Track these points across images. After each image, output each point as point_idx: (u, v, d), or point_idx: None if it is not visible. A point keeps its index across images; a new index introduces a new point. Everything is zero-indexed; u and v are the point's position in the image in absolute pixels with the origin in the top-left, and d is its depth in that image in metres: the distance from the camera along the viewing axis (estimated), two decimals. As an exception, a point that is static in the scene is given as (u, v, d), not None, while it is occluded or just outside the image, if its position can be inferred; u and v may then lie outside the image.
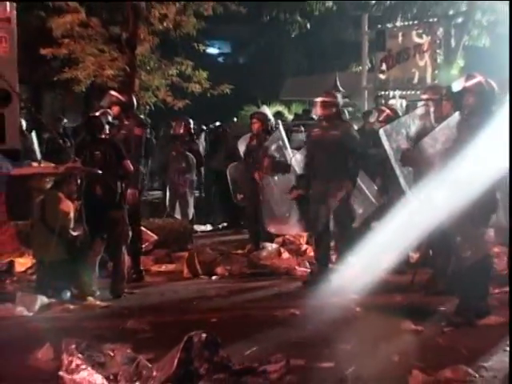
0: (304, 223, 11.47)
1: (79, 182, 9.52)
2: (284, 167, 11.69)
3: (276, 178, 11.87)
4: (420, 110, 9.84)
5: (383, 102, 23.85)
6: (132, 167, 9.67)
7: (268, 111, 13.57)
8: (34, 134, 15.65)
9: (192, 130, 14.54)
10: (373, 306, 8.41)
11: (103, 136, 9.56)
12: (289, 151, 11.87)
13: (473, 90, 7.83)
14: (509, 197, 7.26)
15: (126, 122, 10.49)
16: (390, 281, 9.28)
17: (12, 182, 11.51)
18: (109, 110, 10.29)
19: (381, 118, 10.84)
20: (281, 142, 11.88)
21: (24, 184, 11.41)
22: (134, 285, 10.07)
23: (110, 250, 9.71)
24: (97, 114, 9.95)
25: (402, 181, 9.07)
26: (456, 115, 7.89)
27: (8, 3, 12.35)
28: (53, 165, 11.35)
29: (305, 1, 23.20)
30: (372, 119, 11.44)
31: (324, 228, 10.19)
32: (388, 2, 23.99)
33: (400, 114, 11.43)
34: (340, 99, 10.47)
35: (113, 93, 10.91)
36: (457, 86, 7.96)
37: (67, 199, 9.43)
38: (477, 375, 5.88)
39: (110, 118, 10.02)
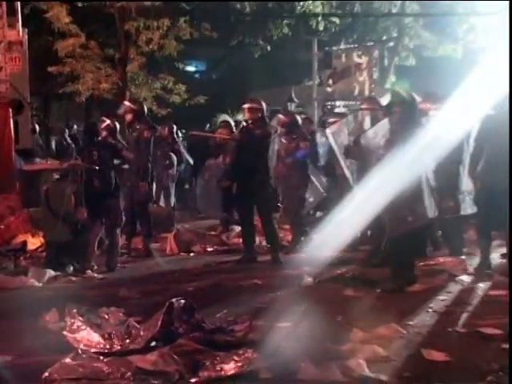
0: (230, 209, 11.41)
1: (80, 175, 9.44)
2: None
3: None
4: (358, 115, 9.94)
5: (330, 110, 24.00)
6: (131, 155, 9.75)
7: (230, 119, 13.53)
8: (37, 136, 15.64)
9: (174, 134, 14.48)
10: (322, 276, 8.42)
11: (99, 139, 9.49)
12: None
13: (396, 102, 7.91)
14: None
15: (138, 126, 10.44)
16: (336, 256, 9.28)
17: (24, 175, 11.44)
18: (104, 118, 10.20)
19: (280, 124, 10.52)
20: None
21: (34, 177, 11.35)
22: (125, 260, 10.05)
23: (106, 232, 9.67)
24: (94, 121, 9.88)
25: (346, 171, 9.17)
26: (385, 121, 7.95)
27: (21, 29, 12.24)
28: (58, 162, 11.28)
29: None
30: (274, 123, 11.04)
31: (249, 213, 9.92)
32: (333, 29, 23.99)
33: (298, 119, 11.30)
34: (264, 105, 9.87)
35: (126, 103, 10.85)
36: (385, 100, 8.05)
37: (70, 190, 9.37)
38: (405, 331, 5.91)
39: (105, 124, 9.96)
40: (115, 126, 9.95)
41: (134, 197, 10.31)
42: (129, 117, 10.53)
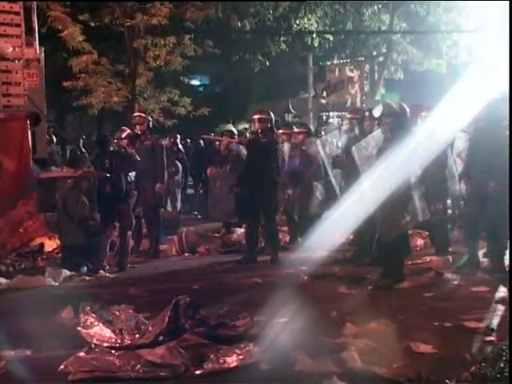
0: (240, 213, 11.30)
1: (92, 182, 9.46)
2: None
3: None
4: (345, 126, 9.96)
5: (324, 120, 24.09)
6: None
7: (232, 128, 13.46)
8: (54, 146, 15.66)
9: (178, 143, 14.50)
10: (317, 275, 8.41)
11: (110, 148, 9.50)
12: None
13: (388, 114, 7.91)
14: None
15: (149, 136, 10.43)
16: (330, 256, 9.28)
17: (41, 183, 11.44)
18: (124, 128, 10.30)
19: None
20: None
21: (50, 184, 11.34)
22: (134, 260, 10.04)
23: (118, 234, 9.69)
24: (106, 133, 9.90)
25: (332, 179, 9.19)
26: (378, 131, 7.97)
27: (38, 47, 12.27)
28: (72, 170, 11.28)
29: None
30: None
31: (258, 217, 9.74)
32: (327, 45, 24.05)
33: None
34: (272, 116, 9.77)
35: (142, 114, 10.81)
36: (377, 112, 8.05)
37: (83, 196, 9.38)
38: (394, 326, 5.90)
39: (126, 133, 10.05)
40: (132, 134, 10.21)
41: (148, 201, 10.29)
42: (143, 127, 10.49)
